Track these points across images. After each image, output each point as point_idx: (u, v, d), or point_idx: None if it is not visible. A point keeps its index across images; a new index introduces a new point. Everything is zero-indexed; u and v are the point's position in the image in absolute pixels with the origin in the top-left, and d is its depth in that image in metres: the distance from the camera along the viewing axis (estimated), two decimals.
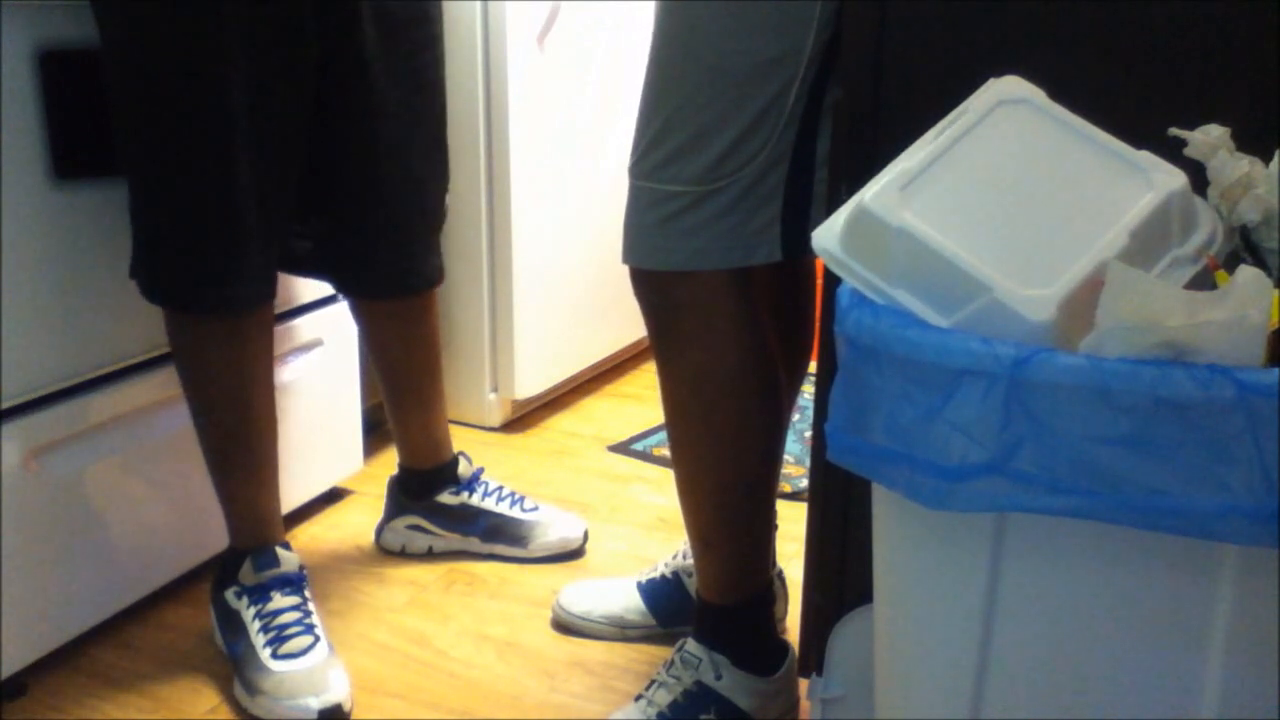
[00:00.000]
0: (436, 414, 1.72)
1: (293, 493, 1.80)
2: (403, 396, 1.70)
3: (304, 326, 1.76)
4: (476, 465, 1.79)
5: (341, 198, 1.47)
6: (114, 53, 1.29)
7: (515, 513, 1.76)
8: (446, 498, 1.74)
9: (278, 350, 1.70)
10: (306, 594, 1.48)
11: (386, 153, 1.46)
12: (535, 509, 1.78)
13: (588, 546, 1.79)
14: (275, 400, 1.48)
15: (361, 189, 1.47)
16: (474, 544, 1.75)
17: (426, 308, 1.64)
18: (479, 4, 2.04)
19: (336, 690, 1.37)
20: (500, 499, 1.77)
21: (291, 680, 1.36)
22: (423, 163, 1.52)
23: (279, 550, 1.47)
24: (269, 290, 1.42)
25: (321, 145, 1.41)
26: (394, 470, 1.79)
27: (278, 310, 1.69)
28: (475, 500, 1.75)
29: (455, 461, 1.75)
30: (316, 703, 1.34)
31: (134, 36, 1.27)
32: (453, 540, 1.75)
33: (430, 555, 1.75)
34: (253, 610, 1.43)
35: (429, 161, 1.53)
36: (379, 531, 1.79)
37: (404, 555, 1.76)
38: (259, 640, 1.40)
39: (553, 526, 1.76)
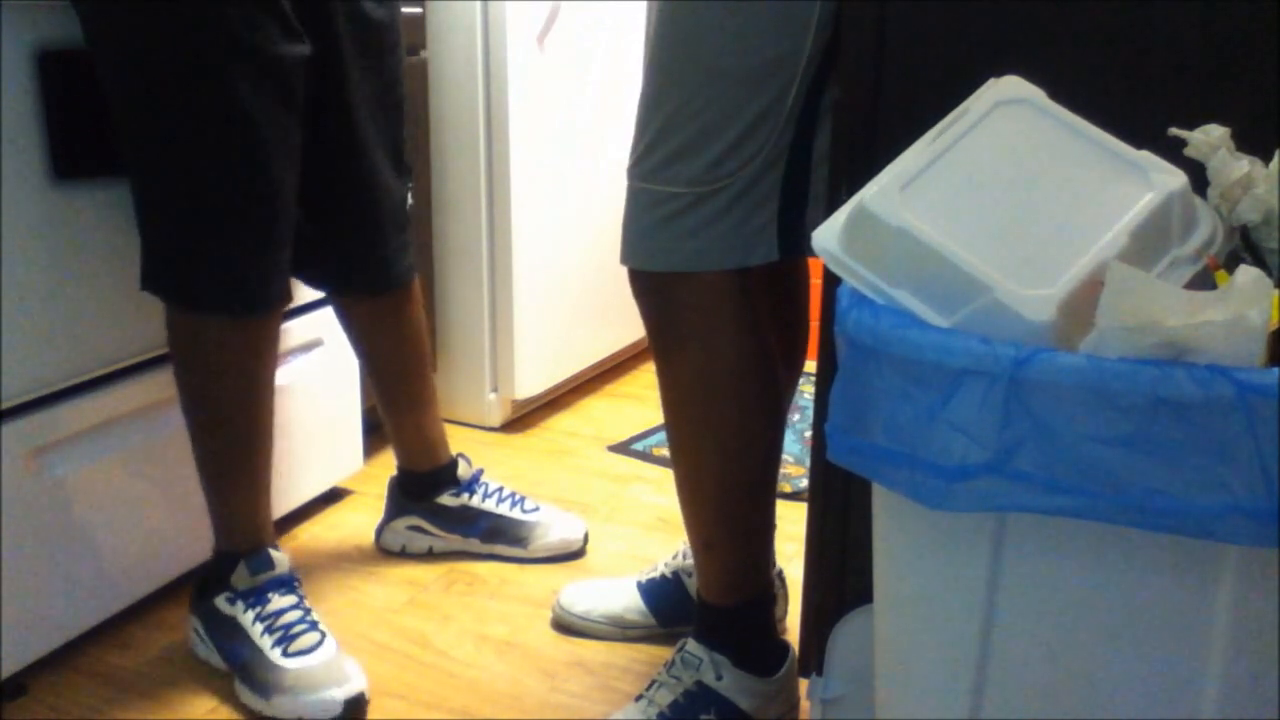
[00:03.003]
0: (429, 414, 1.72)
1: (293, 493, 1.80)
2: (395, 398, 1.70)
3: (304, 326, 1.76)
4: (476, 466, 1.79)
5: (322, 195, 1.46)
6: (121, 56, 1.28)
7: (516, 514, 1.76)
8: (447, 499, 1.74)
9: (279, 351, 1.70)
10: (301, 593, 1.48)
11: (363, 151, 1.47)
12: (536, 509, 1.78)
13: (588, 547, 1.79)
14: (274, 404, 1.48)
15: (341, 186, 1.48)
16: (474, 545, 1.75)
17: (410, 306, 1.63)
18: (479, 4, 2.04)
19: (357, 680, 1.37)
20: (500, 500, 1.77)
21: (310, 675, 1.36)
22: (392, 161, 1.52)
23: (272, 552, 1.47)
24: (288, 290, 1.42)
25: (306, 144, 1.41)
26: (394, 470, 1.78)
27: None
28: (476, 502, 1.75)
29: (454, 463, 1.75)
30: (340, 693, 1.34)
31: (145, 37, 1.26)
32: (453, 541, 1.75)
33: (430, 555, 1.75)
34: (251, 614, 1.42)
35: (397, 159, 1.54)
36: (379, 532, 1.79)
37: (404, 555, 1.76)
38: (265, 642, 1.39)
39: (553, 527, 1.76)
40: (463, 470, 1.76)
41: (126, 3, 1.25)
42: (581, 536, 1.78)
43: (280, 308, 1.42)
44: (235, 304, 1.36)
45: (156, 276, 1.37)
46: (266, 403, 1.45)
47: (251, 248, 1.34)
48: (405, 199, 1.57)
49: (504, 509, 1.76)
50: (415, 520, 1.75)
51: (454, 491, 1.74)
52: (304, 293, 1.74)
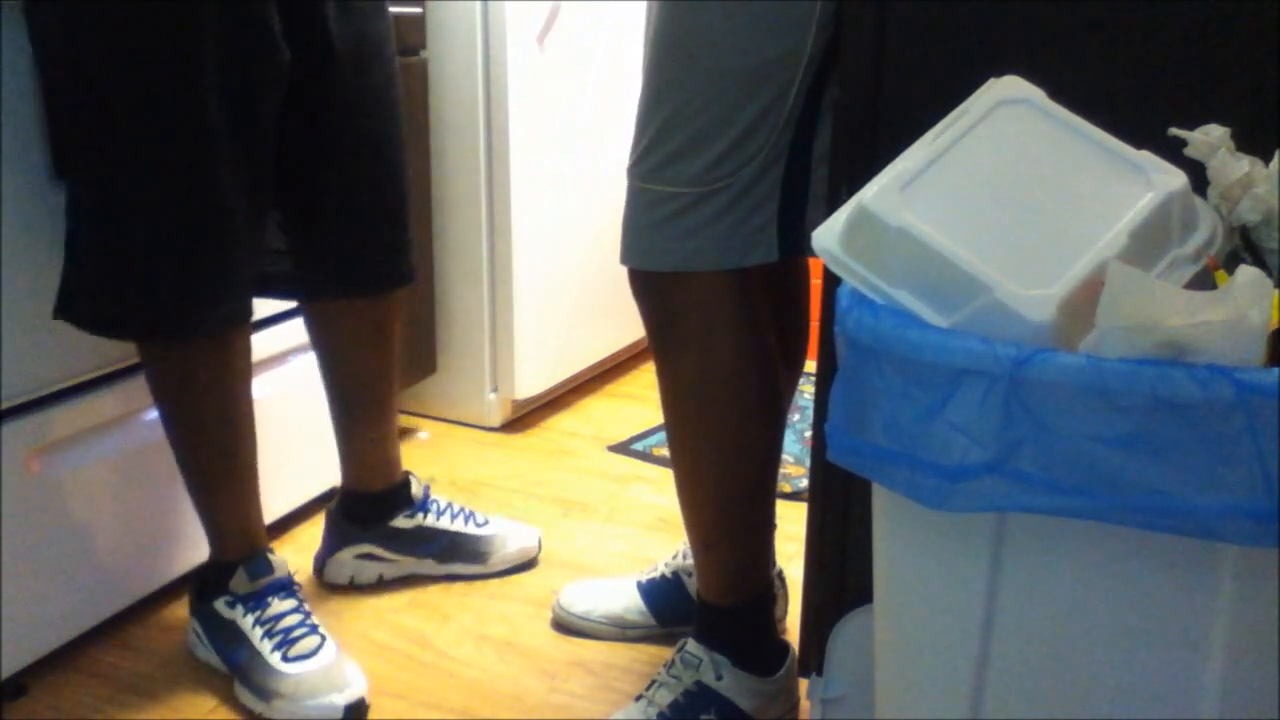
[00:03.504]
0: (390, 428, 1.65)
1: (293, 492, 1.80)
2: (359, 408, 1.61)
3: (304, 327, 1.76)
4: (425, 480, 1.73)
5: (315, 193, 1.43)
6: (78, 64, 1.24)
7: (471, 529, 1.70)
8: (401, 522, 1.66)
9: (279, 350, 1.70)
10: (301, 596, 1.47)
11: (357, 146, 1.43)
12: (486, 523, 1.72)
13: (588, 546, 1.79)
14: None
15: (335, 182, 1.44)
16: (429, 566, 1.68)
17: (397, 308, 1.58)
18: (479, 4, 2.04)
19: (357, 685, 1.37)
20: (454, 516, 1.70)
21: (310, 680, 1.35)
22: (391, 153, 1.48)
23: (270, 557, 1.46)
24: (251, 302, 1.40)
25: (291, 142, 1.38)
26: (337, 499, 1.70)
27: (278, 310, 1.69)
28: (430, 521, 1.68)
29: (408, 482, 1.68)
30: (341, 698, 1.34)
31: (107, 46, 1.23)
32: (406, 564, 1.67)
33: (380, 584, 1.66)
34: (251, 618, 1.42)
35: (396, 152, 1.49)
36: (319, 566, 1.67)
37: (352, 588, 1.66)
38: (265, 646, 1.39)
39: (510, 539, 1.72)
40: (415, 489, 1.68)
41: (102, 6, 1.21)
42: (536, 544, 1.74)
43: (248, 320, 1.39)
44: (198, 325, 1.33)
45: (87, 301, 1.32)
46: (243, 415, 1.43)
47: (215, 267, 1.31)
48: (408, 195, 1.53)
49: (459, 525, 1.69)
50: (366, 548, 1.65)
51: (409, 513, 1.67)
52: None
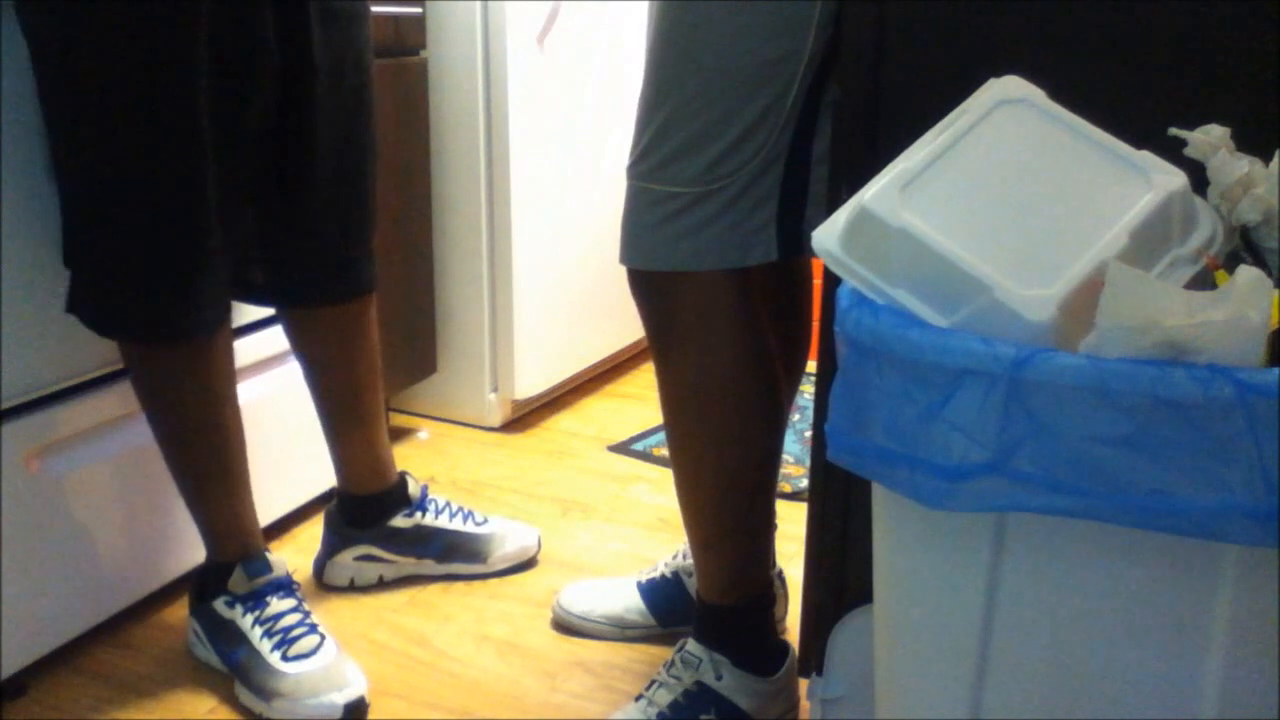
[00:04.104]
0: (380, 431, 1.64)
1: (293, 492, 1.80)
2: (346, 414, 1.61)
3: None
4: (424, 480, 1.72)
5: (286, 199, 1.42)
6: (61, 63, 1.23)
7: (469, 528, 1.70)
8: (399, 521, 1.66)
9: (277, 351, 1.70)
10: (300, 596, 1.47)
11: (330, 152, 1.43)
12: (485, 521, 1.72)
13: (588, 546, 1.79)
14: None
15: (306, 190, 1.43)
16: (429, 566, 1.68)
17: (370, 313, 1.57)
18: (479, 4, 2.04)
19: (357, 684, 1.37)
20: (453, 515, 1.70)
21: (310, 680, 1.35)
22: (363, 162, 1.48)
23: (269, 556, 1.46)
24: (228, 306, 1.40)
25: (268, 145, 1.37)
26: (333, 502, 1.69)
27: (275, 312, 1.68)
28: (429, 520, 1.68)
29: (404, 482, 1.68)
30: (340, 697, 1.34)
31: (90, 45, 1.22)
32: (406, 565, 1.68)
33: (380, 584, 1.67)
34: (250, 617, 1.42)
35: (367, 161, 1.49)
36: (318, 569, 1.68)
37: (352, 589, 1.66)
38: (264, 645, 1.39)
39: (509, 538, 1.72)
40: (413, 489, 1.68)
41: (97, 8, 1.20)
42: (536, 543, 1.74)
43: (225, 324, 1.39)
44: (174, 330, 1.33)
45: (85, 301, 1.33)
46: (229, 417, 1.42)
47: (190, 273, 1.30)
48: (375, 203, 1.52)
49: (458, 524, 1.69)
50: (365, 549, 1.66)
51: (406, 512, 1.67)
52: None
